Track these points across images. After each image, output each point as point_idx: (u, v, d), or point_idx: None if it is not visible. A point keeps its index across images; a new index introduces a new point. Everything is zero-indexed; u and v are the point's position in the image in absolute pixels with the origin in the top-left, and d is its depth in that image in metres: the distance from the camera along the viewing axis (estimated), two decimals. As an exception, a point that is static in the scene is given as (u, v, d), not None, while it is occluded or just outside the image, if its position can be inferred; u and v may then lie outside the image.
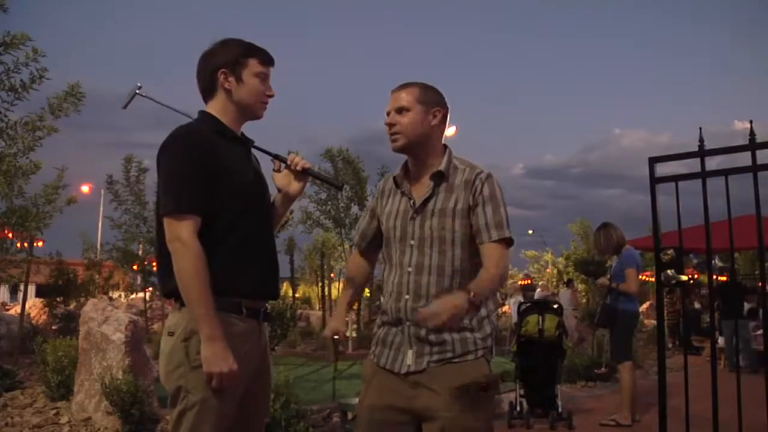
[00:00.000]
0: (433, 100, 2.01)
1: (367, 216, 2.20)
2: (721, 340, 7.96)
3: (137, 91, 2.07)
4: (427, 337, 1.90)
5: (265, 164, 2.08)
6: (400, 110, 1.99)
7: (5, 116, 5.43)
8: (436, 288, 1.91)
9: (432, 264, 1.93)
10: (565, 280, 14.05)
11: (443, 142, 2.06)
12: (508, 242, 1.93)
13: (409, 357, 1.92)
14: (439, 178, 1.98)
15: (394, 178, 2.09)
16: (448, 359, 1.89)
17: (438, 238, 1.93)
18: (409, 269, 1.95)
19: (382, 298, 2.08)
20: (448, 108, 2.05)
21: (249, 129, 2.02)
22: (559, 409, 4.90)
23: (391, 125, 2.00)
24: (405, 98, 1.99)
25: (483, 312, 1.94)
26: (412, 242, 1.96)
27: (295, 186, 2.06)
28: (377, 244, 2.15)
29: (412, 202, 2.00)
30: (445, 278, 1.92)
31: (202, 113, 1.94)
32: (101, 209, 20.04)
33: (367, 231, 2.18)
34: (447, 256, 1.93)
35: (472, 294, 1.76)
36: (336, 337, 2.12)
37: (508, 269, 1.98)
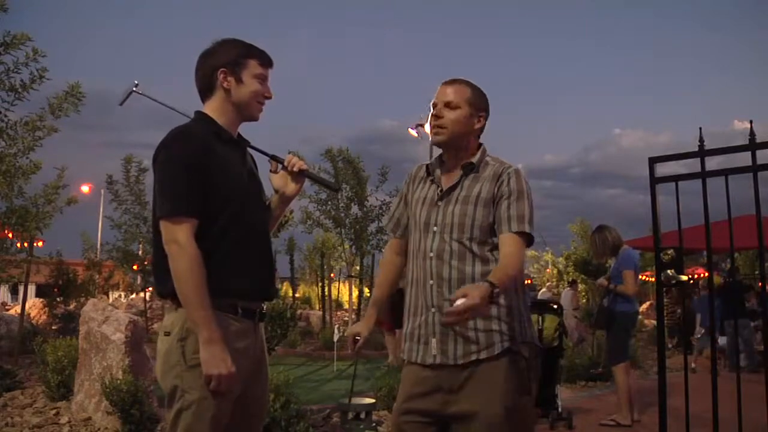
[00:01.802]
0: (480, 105, 2.06)
1: (400, 202, 2.22)
2: (722, 340, 7.96)
3: (134, 89, 2.07)
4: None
5: (263, 165, 2.08)
6: (449, 105, 2.02)
7: (5, 116, 5.43)
8: (458, 273, 1.93)
9: (453, 249, 1.95)
10: (569, 280, 14.04)
11: (482, 144, 2.11)
12: (527, 237, 1.95)
13: (434, 346, 1.95)
14: (469, 168, 2.02)
15: (427, 165, 2.13)
16: (475, 352, 1.90)
17: (459, 224, 1.96)
18: (431, 254, 1.98)
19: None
20: (489, 116, 2.11)
21: (248, 129, 2.02)
22: (559, 409, 4.90)
23: (437, 117, 2.03)
24: (456, 94, 2.03)
25: (514, 302, 1.95)
26: (435, 228, 1.99)
27: (291, 187, 2.06)
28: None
29: (439, 189, 2.04)
30: (467, 262, 1.94)
31: (199, 113, 1.93)
32: (101, 209, 20.08)
33: (401, 217, 2.21)
34: (466, 243, 1.95)
35: (494, 285, 1.73)
36: (357, 337, 2.17)
37: (524, 261, 1.99)
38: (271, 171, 2.08)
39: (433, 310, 1.96)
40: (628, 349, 5.12)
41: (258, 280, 1.90)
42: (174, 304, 1.80)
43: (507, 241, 1.92)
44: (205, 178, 1.78)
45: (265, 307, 1.98)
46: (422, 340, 1.98)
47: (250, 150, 2.04)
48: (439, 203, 2.02)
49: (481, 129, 2.09)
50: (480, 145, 2.09)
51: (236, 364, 1.73)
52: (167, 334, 1.80)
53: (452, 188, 2.02)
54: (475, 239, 1.95)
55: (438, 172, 2.09)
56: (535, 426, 2.07)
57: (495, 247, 1.97)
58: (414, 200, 2.11)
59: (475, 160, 2.03)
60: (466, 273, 1.94)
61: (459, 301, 1.68)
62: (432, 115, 2.05)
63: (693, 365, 7.58)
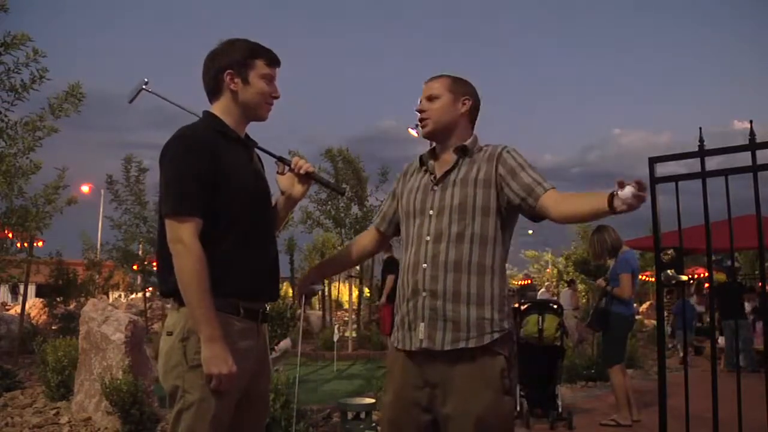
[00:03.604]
0: (463, 90, 2.08)
1: (388, 199, 2.25)
2: (721, 340, 7.95)
3: (143, 87, 2.06)
4: (444, 309, 1.89)
5: (270, 166, 2.08)
6: (431, 98, 2.06)
7: (5, 116, 5.43)
8: (455, 255, 1.91)
9: (451, 232, 1.93)
10: (567, 280, 14.04)
11: (474, 132, 2.11)
12: None
13: (421, 330, 1.91)
14: (463, 152, 2.03)
15: (421, 156, 2.14)
16: (464, 339, 1.87)
17: (458, 206, 1.95)
18: (427, 238, 1.96)
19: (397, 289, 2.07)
20: (479, 100, 2.11)
21: (250, 128, 2.02)
22: (559, 409, 4.90)
23: (421, 111, 2.07)
24: (436, 87, 2.07)
25: (503, 289, 1.95)
26: (431, 212, 1.98)
27: (298, 189, 2.06)
28: (397, 226, 2.18)
29: (433, 176, 2.04)
30: (465, 245, 1.92)
31: (206, 113, 1.94)
32: (101, 209, 20.10)
33: (388, 212, 2.23)
34: (467, 223, 1.93)
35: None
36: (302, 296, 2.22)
37: None
38: (277, 173, 2.08)
39: (424, 294, 1.92)
40: (623, 351, 5.11)
41: (261, 281, 1.89)
42: (176, 303, 1.80)
43: (554, 193, 1.89)
44: (211, 177, 1.78)
45: (268, 307, 1.98)
46: (410, 326, 1.95)
47: (257, 151, 2.04)
48: (435, 188, 2.01)
49: (470, 112, 2.08)
50: (473, 134, 2.10)
51: (238, 364, 1.73)
52: (169, 333, 1.80)
53: (447, 172, 2.02)
54: (475, 221, 1.93)
55: (431, 162, 2.09)
56: (514, 426, 2.06)
57: (495, 228, 1.95)
58: (407, 191, 2.10)
59: (467, 143, 2.03)
60: (463, 254, 1.91)
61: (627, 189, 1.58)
62: (416, 110, 2.09)
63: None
